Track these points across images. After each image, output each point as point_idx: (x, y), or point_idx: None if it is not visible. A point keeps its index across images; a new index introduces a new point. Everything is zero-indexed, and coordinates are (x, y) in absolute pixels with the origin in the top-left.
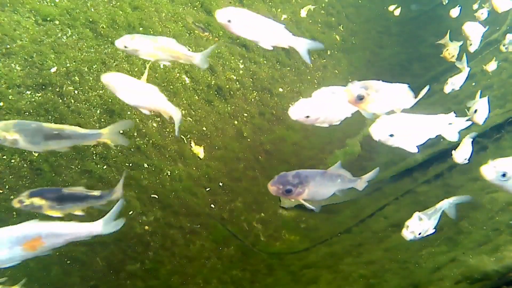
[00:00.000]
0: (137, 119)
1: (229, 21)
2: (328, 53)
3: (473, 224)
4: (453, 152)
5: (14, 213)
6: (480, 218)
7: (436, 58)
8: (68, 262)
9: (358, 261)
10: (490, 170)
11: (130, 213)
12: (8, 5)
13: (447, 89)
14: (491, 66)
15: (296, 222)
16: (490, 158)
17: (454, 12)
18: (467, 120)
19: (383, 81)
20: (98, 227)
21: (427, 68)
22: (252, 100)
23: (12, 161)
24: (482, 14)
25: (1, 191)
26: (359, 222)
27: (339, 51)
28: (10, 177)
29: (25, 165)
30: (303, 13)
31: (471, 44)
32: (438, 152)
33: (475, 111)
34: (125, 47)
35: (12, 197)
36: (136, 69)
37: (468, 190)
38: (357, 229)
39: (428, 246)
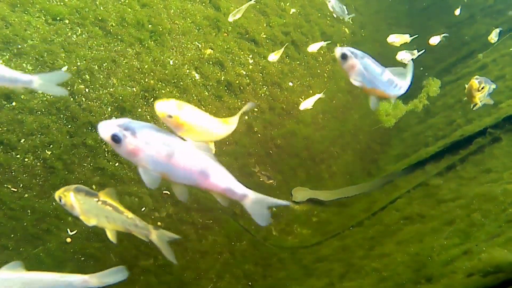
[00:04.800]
0: (148, 116)
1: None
2: (338, 46)
3: (486, 216)
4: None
5: (29, 211)
6: (493, 210)
7: (447, 49)
8: (82, 258)
9: (371, 254)
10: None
11: (143, 209)
12: (19, 5)
13: None
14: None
15: (308, 216)
16: (504, 149)
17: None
18: None
19: None
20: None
21: (438, 59)
22: (262, 95)
23: (26, 159)
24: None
25: (15, 190)
26: (371, 215)
27: (348, 44)
28: (24, 175)
29: (38, 164)
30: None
31: None
32: (450, 144)
33: None
34: None
35: (26, 195)
36: (146, 66)
37: (481, 182)
38: (369, 222)
39: (440, 238)
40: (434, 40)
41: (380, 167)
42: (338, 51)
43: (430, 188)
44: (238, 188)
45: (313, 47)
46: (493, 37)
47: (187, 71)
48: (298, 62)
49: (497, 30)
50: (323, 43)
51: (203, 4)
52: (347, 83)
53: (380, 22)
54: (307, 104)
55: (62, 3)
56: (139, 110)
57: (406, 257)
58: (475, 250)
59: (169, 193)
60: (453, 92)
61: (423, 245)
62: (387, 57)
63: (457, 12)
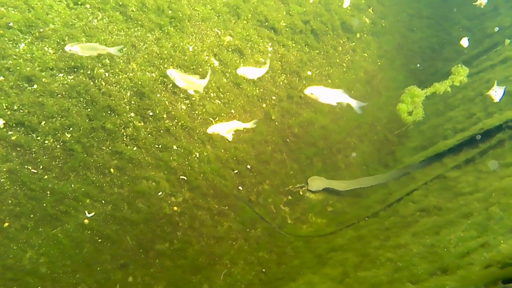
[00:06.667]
0: (167, 102)
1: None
2: (358, 36)
3: (505, 210)
4: None
5: (48, 192)
6: (511, 204)
7: (469, 41)
8: (100, 240)
9: (386, 245)
10: None
11: (160, 194)
12: None
13: None
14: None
15: (323, 206)
16: None
17: None
18: None
19: None
20: None
21: (459, 51)
22: (281, 83)
23: (46, 142)
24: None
25: (35, 171)
26: (387, 207)
27: (368, 34)
28: (44, 157)
29: (58, 146)
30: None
31: None
32: (469, 137)
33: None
34: None
35: (45, 177)
36: (165, 52)
37: (500, 175)
38: (384, 213)
39: (457, 231)
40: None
41: (397, 158)
42: None
43: (448, 180)
44: None
45: (253, 74)
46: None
47: (206, 57)
48: (317, 51)
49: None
50: (265, 68)
51: None
52: (366, 73)
53: (401, 13)
54: (218, 129)
55: None
56: (158, 95)
57: (422, 248)
58: (492, 242)
59: (186, 178)
60: (474, 84)
61: (439, 237)
62: (406, 49)
63: (465, 43)
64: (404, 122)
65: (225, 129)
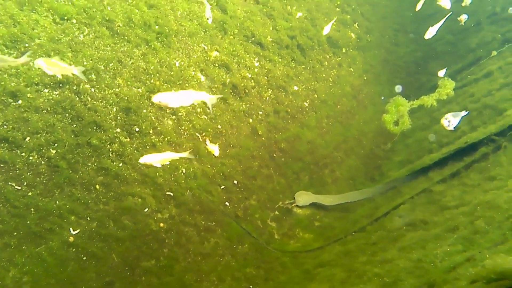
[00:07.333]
0: (153, 117)
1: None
2: (343, 51)
3: (490, 223)
4: None
5: (32, 209)
6: (496, 217)
7: (453, 56)
8: (85, 258)
9: (373, 260)
10: None
11: (146, 210)
12: (27, 4)
13: None
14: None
15: (310, 221)
16: (509, 157)
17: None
18: None
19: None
20: None
21: (444, 66)
22: (267, 98)
23: (30, 158)
24: None
25: (19, 188)
26: (374, 221)
27: (354, 49)
28: (28, 174)
29: (42, 162)
30: (299, 14)
31: None
32: (454, 151)
33: None
34: None
35: (30, 193)
36: (152, 67)
37: (485, 189)
38: (371, 228)
39: (443, 245)
40: None
41: (383, 173)
42: None
43: (434, 194)
44: None
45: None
46: None
47: (193, 73)
48: (304, 66)
49: None
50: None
51: (210, 6)
52: (352, 88)
53: (386, 28)
54: (151, 159)
55: (70, 3)
56: (144, 111)
57: (409, 263)
58: (478, 257)
59: (172, 194)
60: (458, 99)
61: (425, 251)
62: (391, 63)
63: (441, 73)
64: (390, 134)
65: (158, 159)
